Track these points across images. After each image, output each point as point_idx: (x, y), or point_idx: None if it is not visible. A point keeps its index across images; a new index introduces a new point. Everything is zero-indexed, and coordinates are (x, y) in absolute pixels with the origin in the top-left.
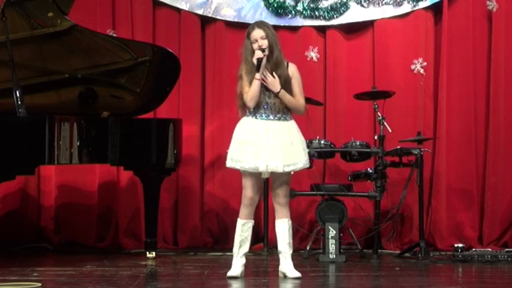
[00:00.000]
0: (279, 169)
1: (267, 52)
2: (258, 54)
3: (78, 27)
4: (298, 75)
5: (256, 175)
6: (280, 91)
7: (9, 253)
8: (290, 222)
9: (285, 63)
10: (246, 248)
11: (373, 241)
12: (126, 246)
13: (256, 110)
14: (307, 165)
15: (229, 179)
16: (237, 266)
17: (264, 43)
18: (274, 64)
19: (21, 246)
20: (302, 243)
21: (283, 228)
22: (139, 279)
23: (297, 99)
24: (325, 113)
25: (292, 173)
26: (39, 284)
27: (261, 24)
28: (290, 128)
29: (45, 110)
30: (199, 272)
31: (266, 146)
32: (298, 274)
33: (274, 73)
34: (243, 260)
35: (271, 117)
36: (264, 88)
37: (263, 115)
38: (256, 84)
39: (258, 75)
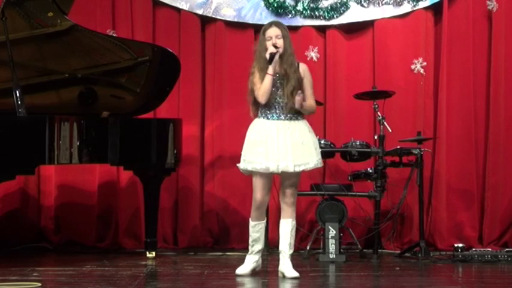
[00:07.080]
0: (290, 169)
1: (280, 50)
2: (271, 49)
3: (78, 27)
4: (309, 76)
5: (266, 176)
6: (302, 107)
7: (9, 253)
8: (294, 222)
9: (296, 64)
10: (259, 246)
11: (373, 241)
12: (126, 246)
13: (267, 111)
14: (319, 165)
15: (229, 179)
16: (248, 263)
17: (279, 42)
18: (287, 66)
19: (21, 246)
20: (302, 243)
21: (286, 228)
22: (139, 279)
23: (309, 102)
24: (325, 112)
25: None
26: (39, 284)
27: (278, 24)
28: (301, 128)
29: (45, 110)
30: (199, 272)
31: (277, 146)
32: (297, 274)
33: (300, 91)
34: (255, 257)
35: (282, 117)
36: (276, 87)
37: (274, 115)
38: (268, 79)
39: (270, 70)
